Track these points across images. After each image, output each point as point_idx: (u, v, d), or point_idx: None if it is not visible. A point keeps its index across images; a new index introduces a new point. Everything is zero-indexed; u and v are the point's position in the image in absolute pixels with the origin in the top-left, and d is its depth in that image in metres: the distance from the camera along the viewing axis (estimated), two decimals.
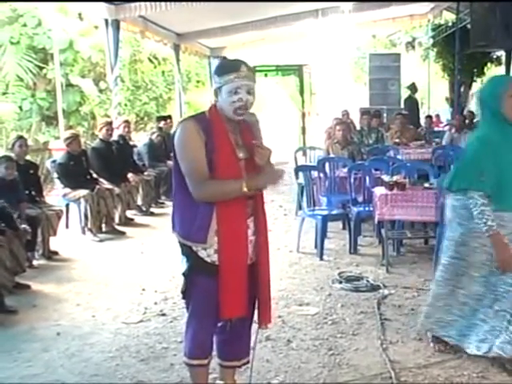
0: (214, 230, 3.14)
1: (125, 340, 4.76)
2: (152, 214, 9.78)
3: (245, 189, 3.07)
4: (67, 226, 8.33)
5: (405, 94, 17.80)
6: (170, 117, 12.42)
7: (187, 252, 3.25)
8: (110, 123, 9.43)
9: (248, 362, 3.61)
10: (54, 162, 8.67)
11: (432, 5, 16.43)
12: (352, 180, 7.36)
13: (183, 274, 3.32)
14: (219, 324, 3.40)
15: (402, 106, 16.85)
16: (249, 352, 3.57)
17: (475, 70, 17.99)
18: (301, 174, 7.85)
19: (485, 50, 16.11)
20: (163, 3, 10.36)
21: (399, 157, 9.22)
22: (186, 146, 3.15)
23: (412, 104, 16.02)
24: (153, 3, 10.38)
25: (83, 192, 8.05)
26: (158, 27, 13.01)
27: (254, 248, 3.28)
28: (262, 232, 3.32)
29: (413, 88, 16.34)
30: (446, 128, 14.42)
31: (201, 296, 3.27)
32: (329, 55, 31.81)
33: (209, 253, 3.17)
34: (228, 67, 3.19)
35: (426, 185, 6.59)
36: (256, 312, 3.43)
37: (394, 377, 3.99)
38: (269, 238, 3.41)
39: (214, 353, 3.53)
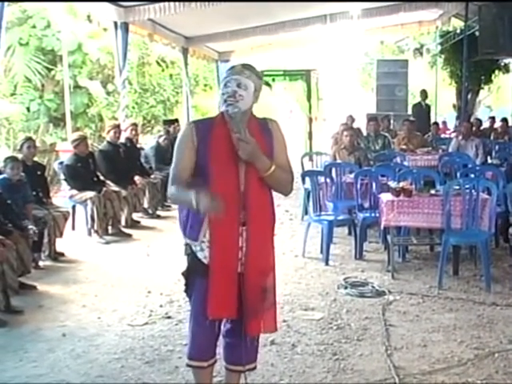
0: (205, 229, 3.20)
1: (130, 342, 4.78)
2: (158, 216, 9.81)
3: (194, 202, 2.97)
4: (73, 228, 8.36)
5: (413, 100, 17.74)
6: (177, 120, 12.46)
7: (187, 252, 3.31)
8: (118, 126, 9.46)
9: (254, 368, 3.59)
10: (61, 163, 8.72)
11: (440, 11, 16.38)
12: (358, 186, 7.36)
13: (182, 274, 3.39)
14: (225, 327, 3.42)
15: (410, 112, 16.82)
16: (255, 358, 3.54)
17: (483, 78, 17.95)
18: (307, 179, 7.85)
19: (493, 58, 16.07)
20: (172, 6, 10.38)
21: (406, 163, 9.21)
22: (176, 148, 3.29)
23: (421, 110, 15.97)
24: (161, 6, 10.42)
25: (90, 194, 8.08)
26: (167, 30, 13.05)
27: (244, 257, 3.22)
28: (252, 244, 3.22)
29: (423, 94, 16.32)
30: (453, 135, 14.41)
31: (196, 297, 3.33)
32: (336, 61, 31.79)
33: (202, 247, 3.23)
34: (227, 70, 3.27)
35: (433, 191, 6.59)
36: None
37: (398, 383, 4.00)
38: (273, 248, 3.36)
39: (218, 356, 3.52)
